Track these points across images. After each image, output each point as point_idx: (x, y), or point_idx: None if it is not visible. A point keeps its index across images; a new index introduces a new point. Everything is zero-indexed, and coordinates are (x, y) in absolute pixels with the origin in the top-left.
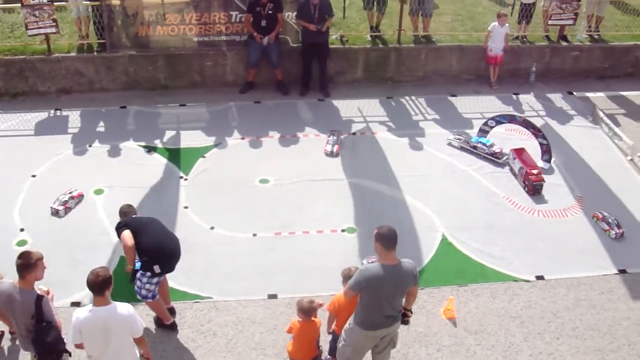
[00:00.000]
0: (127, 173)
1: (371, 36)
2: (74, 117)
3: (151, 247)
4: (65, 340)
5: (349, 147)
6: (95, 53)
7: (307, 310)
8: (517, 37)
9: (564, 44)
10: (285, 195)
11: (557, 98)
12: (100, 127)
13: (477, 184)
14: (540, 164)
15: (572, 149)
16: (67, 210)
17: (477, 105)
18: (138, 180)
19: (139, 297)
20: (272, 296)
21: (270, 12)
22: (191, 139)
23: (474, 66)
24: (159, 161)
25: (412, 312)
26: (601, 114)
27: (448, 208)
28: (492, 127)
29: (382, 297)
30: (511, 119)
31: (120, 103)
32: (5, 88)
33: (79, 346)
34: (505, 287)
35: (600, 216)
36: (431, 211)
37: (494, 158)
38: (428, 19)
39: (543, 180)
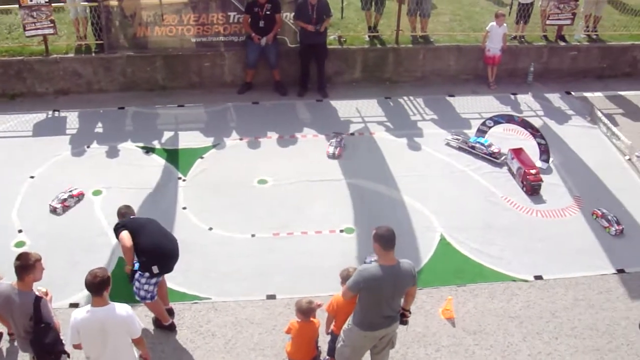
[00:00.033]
0: (125, 174)
1: (369, 36)
2: (72, 118)
3: (149, 247)
4: (63, 342)
5: (350, 150)
6: (93, 54)
7: (306, 311)
8: (515, 37)
9: (562, 43)
10: (283, 195)
11: (555, 98)
12: (99, 128)
13: (476, 184)
14: (539, 163)
15: (570, 149)
16: (66, 208)
17: (475, 106)
18: (136, 181)
19: (137, 298)
20: (271, 297)
21: (268, 12)
22: (189, 139)
23: (472, 66)
24: (157, 162)
25: (410, 313)
26: (599, 114)
27: (446, 208)
28: (490, 127)
29: (381, 297)
30: (509, 119)
31: (119, 104)
32: (3, 89)
33: (77, 347)
34: (503, 287)
35: (600, 213)
36: (429, 211)
37: (492, 158)
38: (426, 19)
39: (541, 180)
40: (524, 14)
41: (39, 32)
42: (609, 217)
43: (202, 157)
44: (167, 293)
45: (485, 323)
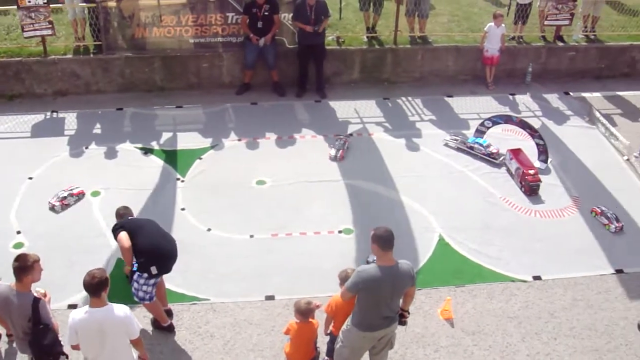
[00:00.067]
0: (123, 175)
1: (367, 37)
2: (71, 119)
3: (148, 248)
4: (62, 343)
5: (349, 151)
6: (91, 55)
7: (305, 312)
8: (513, 38)
9: (560, 44)
10: (282, 196)
11: (553, 98)
12: (97, 129)
13: (474, 184)
14: (537, 164)
15: (569, 149)
16: (64, 207)
17: (473, 106)
18: (135, 182)
19: (136, 299)
20: (270, 297)
21: (266, 13)
22: (188, 140)
23: (470, 67)
24: (156, 163)
25: (409, 313)
26: (597, 114)
27: (445, 209)
28: (488, 128)
29: (380, 298)
30: (508, 120)
31: (117, 105)
32: (2, 90)
33: (75, 347)
34: (502, 287)
35: (599, 210)
36: (428, 212)
37: (491, 158)
38: (424, 19)
39: (540, 180)
40: (522, 14)
41: (38, 33)
42: (608, 215)
43: (200, 158)
44: (165, 294)
45: (484, 323)
